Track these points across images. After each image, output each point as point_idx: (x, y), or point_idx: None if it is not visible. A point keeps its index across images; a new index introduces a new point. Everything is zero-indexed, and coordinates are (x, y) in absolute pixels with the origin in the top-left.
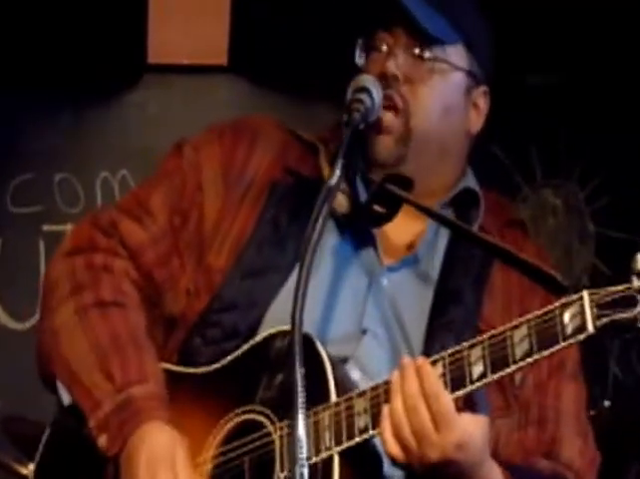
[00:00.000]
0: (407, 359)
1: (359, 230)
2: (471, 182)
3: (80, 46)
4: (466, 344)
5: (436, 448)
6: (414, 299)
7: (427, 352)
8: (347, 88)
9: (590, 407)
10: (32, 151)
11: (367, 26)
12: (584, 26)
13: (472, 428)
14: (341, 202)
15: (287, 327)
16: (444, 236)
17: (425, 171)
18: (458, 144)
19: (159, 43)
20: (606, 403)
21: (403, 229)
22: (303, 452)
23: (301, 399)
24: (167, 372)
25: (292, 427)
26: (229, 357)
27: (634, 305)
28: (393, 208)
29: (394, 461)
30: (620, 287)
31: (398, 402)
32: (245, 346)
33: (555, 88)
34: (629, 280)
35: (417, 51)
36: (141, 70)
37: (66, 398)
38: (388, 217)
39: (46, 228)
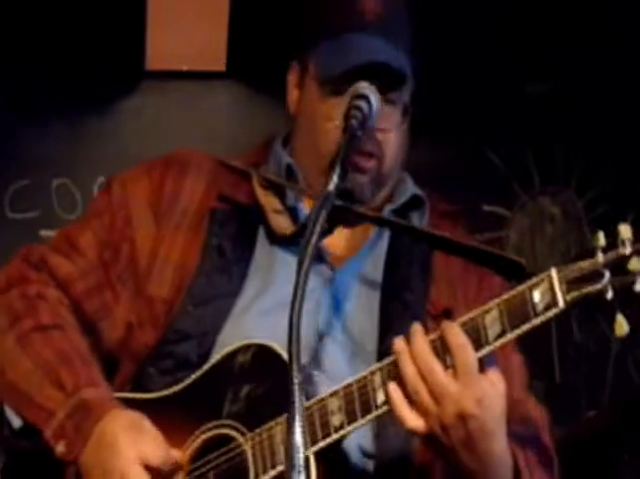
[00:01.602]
0: (416, 324)
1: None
2: (414, 188)
3: (78, 52)
4: (436, 334)
5: (455, 403)
6: (364, 298)
7: (382, 347)
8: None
9: (587, 411)
10: (30, 156)
11: (331, 73)
12: (583, 34)
13: (492, 392)
14: (282, 223)
15: (247, 342)
16: (385, 235)
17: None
18: (402, 149)
19: (157, 49)
20: (604, 406)
21: (346, 235)
22: (300, 458)
23: (299, 404)
24: (126, 400)
25: (289, 433)
26: (189, 379)
27: (601, 278)
28: (335, 220)
29: (415, 433)
30: (586, 263)
31: (409, 367)
32: (205, 367)
33: (554, 96)
34: (594, 256)
35: (389, 96)
36: (139, 76)
37: (16, 421)
38: (330, 229)
39: (43, 233)
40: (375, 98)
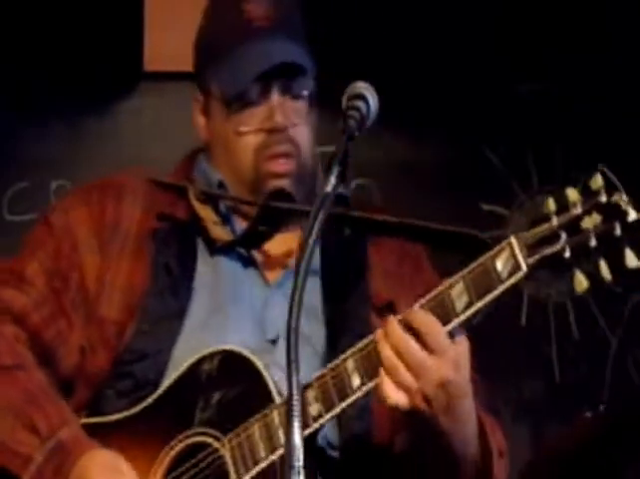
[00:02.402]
0: (391, 317)
1: (241, 256)
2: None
3: (76, 53)
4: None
5: (434, 373)
6: (307, 300)
7: (331, 344)
8: (342, 94)
9: (587, 411)
10: (28, 158)
11: (235, 91)
12: (578, 34)
13: (461, 348)
14: (222, 233)
15: (212, 350)
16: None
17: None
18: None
19: (155, 50)
20: (602, 407)
21: (280, 242)
22: (300, 459)
23: (296, 406)
24: (91, 426)
25: (287, 435)
26: (155, 395)
27: (557, 240)
28: (276, 224)
29: (400, 410)
30: (542, 227)
31: (387, 350)
32: (168, 382)
33: (552, 96)
34: (548, 220)
35: (292, 93)
36: (137, 77)
37: None
38: (271, 233)
39: None
40: (373, 97)
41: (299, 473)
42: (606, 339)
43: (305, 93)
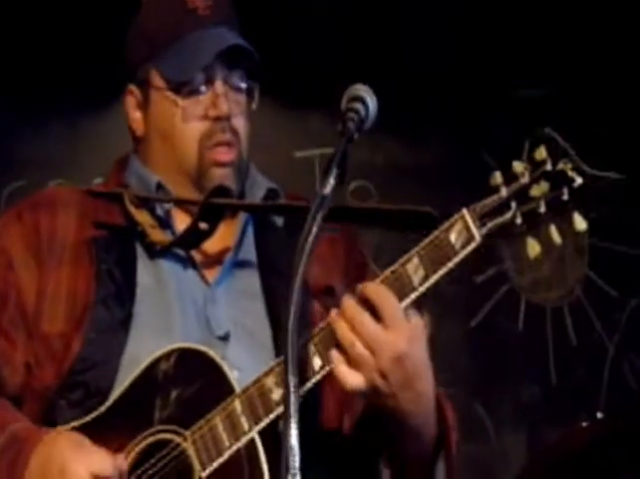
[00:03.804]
0: (346, 295)
1: (180, 257)
2: (267, 181)
3: (74, 53)
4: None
5: (389, 347)
6: (247, 294)
7: (277, 336)
8: (341, 97)
9: (584, 419)
10: (26, 158)
11: (186, 75)
12: (574, 37)
13: (415, 323)
14: (160, 236)
15: (164, 350)
16: (249, 227)
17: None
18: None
19: None
20: (599, 414)
21: (216, 238)
22: (296, 461)
23: (293, 408)
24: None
25: (284, 436)
26: (108, 402)
27: (508, 209)
28: (216, 220)
29: (356, 392)
30: (493, 198)
31: (343, 326)
32: (122, 387)
33: (548, 99)
34: (498, 191)
35: (233, 83)
36: None
37: None
38: (211, 230)
39: None
40: (371, 100)
41: (295, 475)
42: (603, 345)
43: (244, 86)
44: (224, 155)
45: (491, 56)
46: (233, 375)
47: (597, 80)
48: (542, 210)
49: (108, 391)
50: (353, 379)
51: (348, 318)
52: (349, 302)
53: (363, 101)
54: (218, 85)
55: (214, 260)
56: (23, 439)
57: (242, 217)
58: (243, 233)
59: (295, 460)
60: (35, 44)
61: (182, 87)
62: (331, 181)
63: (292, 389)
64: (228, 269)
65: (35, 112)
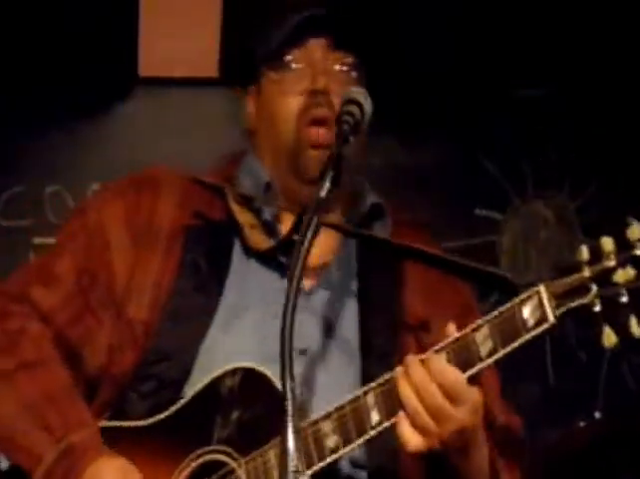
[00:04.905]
0: (410, 356)
1: (277, 261)
2: (374, 196)
3: (71, 58)
4: (432, 349)
5: (454, 420)
6: (340, 312)
7: (364, 362)
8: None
9: (582, 418)
10: (22, 163)
11: (275, 47)
12: (573, 37)
13: (477, 394)
14: (258, 239)
15: (235, 365)
16: (353, 245)
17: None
18: (360, 154)
19: (150, 56)
20: (597, 414)
21: (315, 249)
22: (294, 464)
23: (291, 408)
24: (110, 429)
25: (283, 438)
26: (176, 406)
27: (588, 292)
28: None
29: (416, 452)
30: (573, 277)
31: (408, 391)
32: (190, 393)
33: (547, 100)
34: (580, 270)
35: (337, 62)
36: (132, 83)
37: (3, 463)
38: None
39: (37, 240)
40: (367, 102)
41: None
42: (601, 343)
43: (347, 68)
44: (319, 136)
45: (491, 56)
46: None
47: (597, 80)
48: (624, 299)
49: (180, 384)
50: (415, 442)
51: (414, 383)
52: (415, 367)
53: (358, 104)
54: (318, 60)
55: (313, 269)
56: (78, 456)
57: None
58: (345, 246)
59: (294, 462)
60: (33, 48)
61: (282, 63)
62: (327, 184)
63: (289, 395)
64: (326, 280)
65: (33, 117)
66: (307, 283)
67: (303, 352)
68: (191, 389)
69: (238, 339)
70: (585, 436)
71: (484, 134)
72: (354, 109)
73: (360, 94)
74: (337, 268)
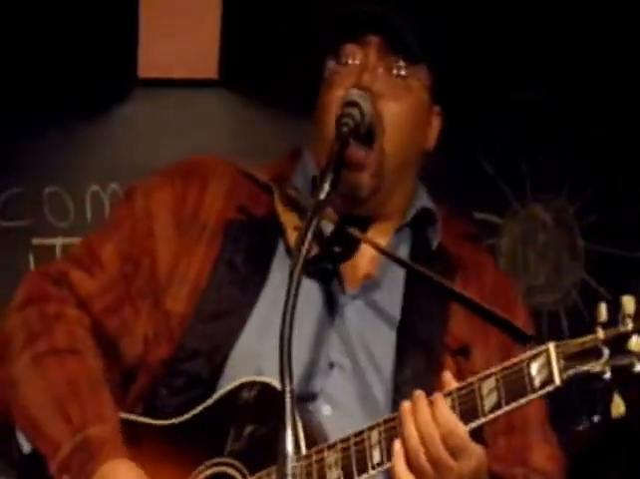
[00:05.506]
0: (419, 391)
1: (319, 266)
2: (426, 200)
3: (70, 60)
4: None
5: (454, 474)
6: (379, 325)
7: (397, 379)
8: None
9: (579, 423)
10: (21, 164)
11: (334, 39)
12: (573, 38)
13: (483, 458)
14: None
15: (253, 378)
16: (402, 256)
17: (386, 193)
18: (414, 162)
19: (149, 57)
20: (595, 418)
21: (360, 255)
22: (290, 467)
23: (290, 407)
24: (133, 424)
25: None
26: (196, 409)
27: (599, 357)
28: (350, 247)
29: None
30: (585, 339)
31: (412, 430)
32: (213, 398)
33: (547, 103)
34: (594, 331)
35: (392, 65)
36: (131, 84)
37: (26, 446)
38: (345, 256)
39: (35, 241)
40: (366, 105)
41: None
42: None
43: (404, 73)
44: (360, 154)
45: (491, 57)
46: (302, 431)
47: (597, 80)
48: (637, 369)
49: (210, 382)
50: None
51: (418, 424)
52: (424, 414)
53: (358, 106)
54: (370, 59)
55: (356, 276)
56: (91, 452)
57: (393, 236)
58: (395, 252)
59: (289, 467)
60: (32, 50)
61: (336, 56)
62: (326, 186)
63: (288, 396)
64: (366, 298)
65: (30, 118)
66: (350, 291)
67: (331, 366)
68: (219, 391)
69: (271, 346)
70: (584, 439)
71: (483, 137)
72: (353, 111)
73: (359, 96)
74: (381, 277)
